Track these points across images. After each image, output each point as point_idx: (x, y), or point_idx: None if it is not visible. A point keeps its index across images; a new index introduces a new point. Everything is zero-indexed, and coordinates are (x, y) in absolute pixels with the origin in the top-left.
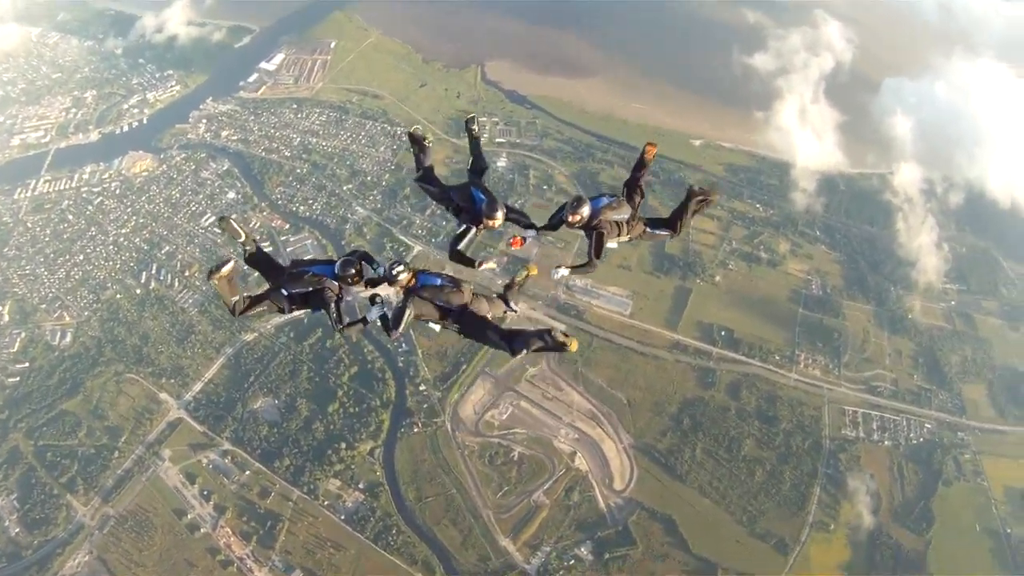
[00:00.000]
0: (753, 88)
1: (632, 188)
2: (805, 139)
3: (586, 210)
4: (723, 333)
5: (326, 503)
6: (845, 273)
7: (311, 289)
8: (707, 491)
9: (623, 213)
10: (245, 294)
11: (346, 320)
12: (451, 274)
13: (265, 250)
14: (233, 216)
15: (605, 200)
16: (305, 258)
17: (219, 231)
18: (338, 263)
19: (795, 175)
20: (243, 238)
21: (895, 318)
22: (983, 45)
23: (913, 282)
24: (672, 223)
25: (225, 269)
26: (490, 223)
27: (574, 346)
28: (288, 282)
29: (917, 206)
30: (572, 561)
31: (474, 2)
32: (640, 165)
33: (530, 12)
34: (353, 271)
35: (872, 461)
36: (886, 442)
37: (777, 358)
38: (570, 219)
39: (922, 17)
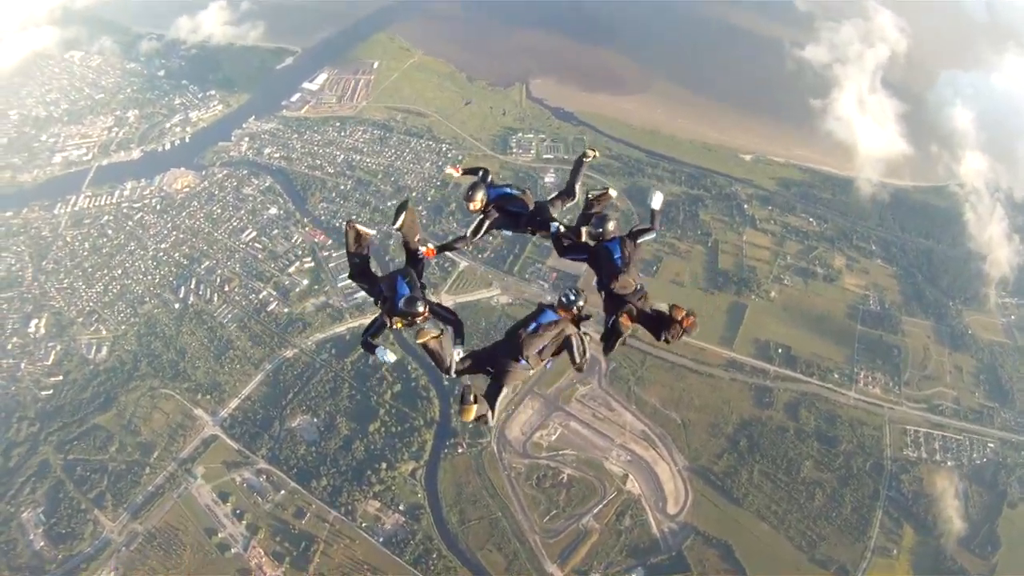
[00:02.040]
0: (807, 81)
1: (567, 192)
2: (865, 127)
3: (480, 195)
4: (780, 350)
5: (364, 525)
6: (903, 288)
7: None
8: (765, 515)
9: (523, 205)
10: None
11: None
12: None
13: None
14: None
15: (507, 191)
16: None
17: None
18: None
19: (858, 163)
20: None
21: (955, 334)
22: None
23: (986, 275)
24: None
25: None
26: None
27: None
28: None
29: (984, 196)
30: None
31: (516, 21)
32: (577, 168)
33: (572, 30)
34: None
35: (935, 482)
36: (949, 462)
37: (836, 376)
38: (469, 207)
39: (967, 13)
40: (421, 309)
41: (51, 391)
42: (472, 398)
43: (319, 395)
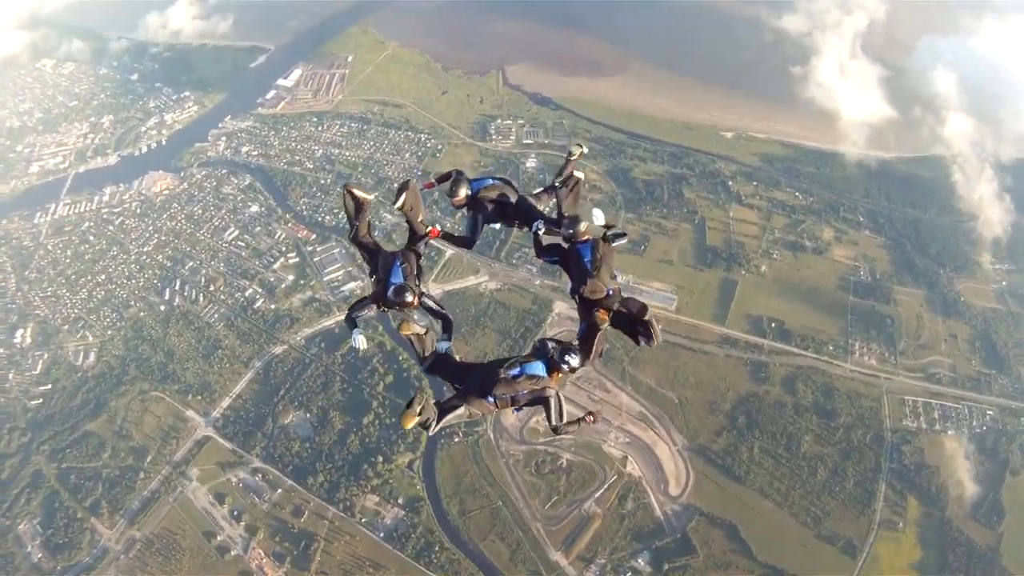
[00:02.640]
0: (786, 51)
1: (552, 189)
2: (847, 92)
3: (463, 191)
4: (773, 325)
5: (364, 520)
6: (892, 258)
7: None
8: (768, 492)
9: (508, 194)
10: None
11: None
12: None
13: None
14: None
15: (489, 181)
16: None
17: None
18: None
19: (841, 133)
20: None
21: (948, 301)
22: (1012, 8)
23: (978, 237)
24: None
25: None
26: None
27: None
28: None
29: (971, 158)
30: (629, 574)
31: (489, 9)
32: (565, 166)
33: (546, 15)
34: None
35: (936, 452)
36: (949, 431)
37: (831, 348)
38: (454, 201)
39: None
40: (409, 299)
41: (40, 400)
42: (418, 409)
43: (311, 390)
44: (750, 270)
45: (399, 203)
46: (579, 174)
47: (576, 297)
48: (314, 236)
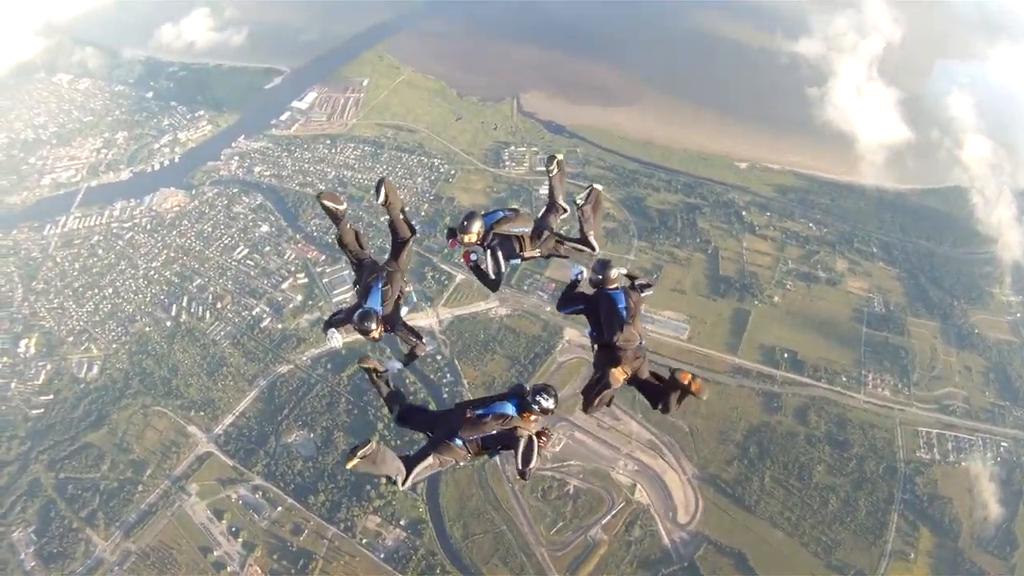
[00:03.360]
0: (801, 74)
1: (553, 208)
2: (864, 114)
3: (477, 226)
4: (786, 355)
5: (364, 541)
6: (906, 289)
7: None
8: (778, 522)
9: (521, 226)
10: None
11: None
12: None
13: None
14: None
15: (501, 214)
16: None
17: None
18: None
19: (857, 160)
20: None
21: (962, 333)
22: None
23: (997, 259)
24: (585, 241)
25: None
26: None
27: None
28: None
29: (990, 181)
30: None
31: (505, 37)
32: (550, 184)
33: (562, 44)
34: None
35: (949, 484)
36: (963, 463)
37: (844, 379)
38: (464, 239)
39: (955, 10)
40: (372, 328)
41: (41, 410)
42: (360, 453)
43: (315, 410)
44: (763, 300)
45: (381, 198)
46: (598, 185)
47: (598, 346)
48: (324, 257)
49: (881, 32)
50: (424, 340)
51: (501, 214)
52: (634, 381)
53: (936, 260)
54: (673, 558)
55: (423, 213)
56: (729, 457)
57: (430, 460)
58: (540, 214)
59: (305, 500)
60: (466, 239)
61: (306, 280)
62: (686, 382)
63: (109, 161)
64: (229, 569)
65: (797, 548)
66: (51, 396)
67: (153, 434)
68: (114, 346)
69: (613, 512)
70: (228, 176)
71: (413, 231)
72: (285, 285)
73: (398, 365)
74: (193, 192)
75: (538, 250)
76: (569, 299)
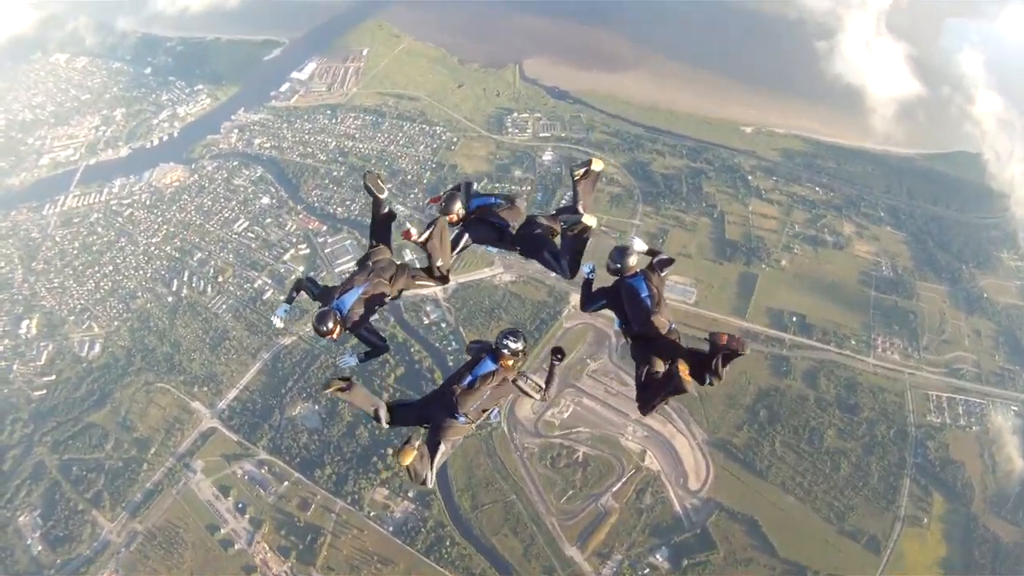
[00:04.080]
0: (809, 30)
1: (569, 211)
2: (874, 67)
3: (457, 206)
4: (795, 319)
5: (372, 514)
6: (914, 254)
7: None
8: (790, 487)
9: (510, 219)
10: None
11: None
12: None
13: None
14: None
15: (493, 200)
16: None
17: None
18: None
19: (869, 103)
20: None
21: (971, 298)
22: None
23: (1010, 218)
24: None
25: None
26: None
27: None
28: None
29: (1001, 138)
30: (647, 570)
31: (505, 2)
32: (574, 187)
33: (564, 10)
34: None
35: (961, 449)
36: (974, 427)
37: (853, 343)
38: (448, 219)
39: None
40: (329, 328)
41: (44, 391)
42: (415, 444)
43: (319, 382)
44: (770, 264)
45: (423, 236)
46: (597, 166)
47: (631, 338)
48: (325, 228)
49: None
50: (387, 344)
51: (492, 200)
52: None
53: (944, 224)
54: (685, 525)
55: (425, 181)
56: (739, 422)
57: (443, 447)
58: (551, 212)
59: (311, 474)
60: (448, 219)
61: (308, 251)
62: (724, 342)
63: (107, 138)
64: (237, 547)
65: (809, 513)
66: (53, 376)
67: (156, 411)
68: (115, 323)
69: (623, 479)
70: (228, 149)
71: (443, 279)
72: (287, 256)
73: (353, 361)
74: (193, 166)
75: (517, 246)
76: (589, 298)
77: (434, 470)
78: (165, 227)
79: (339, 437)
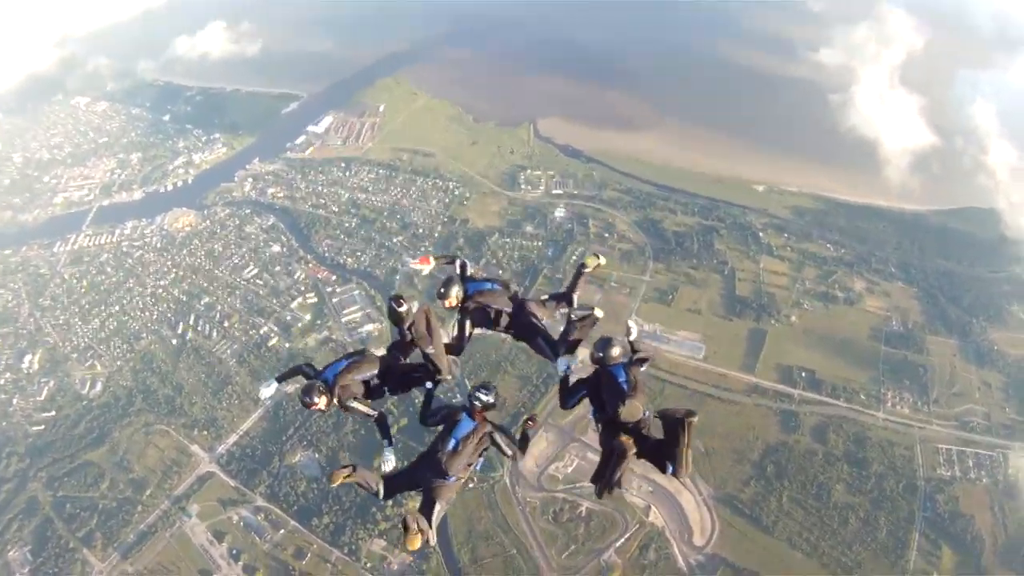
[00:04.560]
0: (823, 83)
1: (563, 297)
2: (887, 119)
3: (455, 291)
4: (803, 374)
5: (369, 565)
6: (924, 308)
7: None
8: (797, 543)
9: (504, 305)
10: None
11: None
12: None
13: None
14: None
15: (488, 286)
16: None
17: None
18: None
19: (883, 155)
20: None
21: (981, 351)
22: None
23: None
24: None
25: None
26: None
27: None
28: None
29: (1015, 186)
30: None
31: (523, 65)
32: (577, 275)
33: (579, 72)
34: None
35: (971, 501)
36: (984, 479)
37: (863, 397)
38: (444, 304)
39: (972, 25)
40: (314, 400)
41: (42, 426)
42: (416, 526)
43: (321, 430)
44: (780, 320)
45: (403, 309)
46: (599, 313)
47: (603, 424)
48: (335, 277)
49: (902, 42)
50: (377, 415)
51: (489, 286)
52: (642, 448)
53: (955, 279)
54: None
55: (436, 234)
56: (746, 477)
57: (439, 507)
58: (544, 297)
59: (308, 522)
60: (445, 304)
61: (316, 300)
62: (680, 415)
63: (122, 181)
64: None
65: (817, 569)
66: (53, 412)
67: (155, 453)
68: (118, 363)
69: (627, 535)
70: (241, 197)
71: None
72: (294, 304)
73: (270, 391)
74: (205, 212)
75: (511, 330)
76: (569, 392)
77: (433, 528)
78: (174, 270)
79: (338, 486)
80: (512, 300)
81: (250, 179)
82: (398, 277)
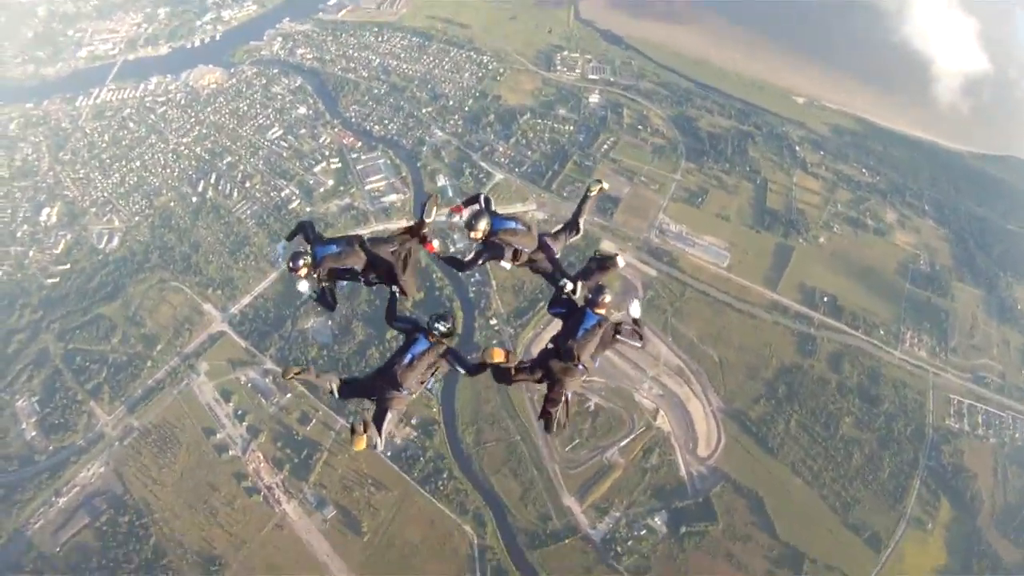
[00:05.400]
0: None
1: (571, 226)
2: (941, 36)
3: (483, 224)
4: (826, 299)
5: None
6: (954, 252)
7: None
8: (800, 470)
9: (524, 244)
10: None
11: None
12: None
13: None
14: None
15: (511, 224)
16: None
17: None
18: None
19: (934, 71)
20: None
21: (1004, 306)
22: None
23: None
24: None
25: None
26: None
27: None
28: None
29: None
30: (643, 531)
31: None
32: (584, 200)
33: None
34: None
35: (975, 459)
36: (991, 439)
37: (882, 332)
38: (471, 235)
39: None
40: (298, 266)
41: (57, 279)
42: (362, 428)
43: (336, 297)
44: (808, 239)
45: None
46: (621, 261)
47: (547, 345)
48: (360, 144)
49: None
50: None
51: (512, 224)
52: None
53: (987, 227)
54: (689, 491)
55: (466, 108)
56: (756, 395)
57: (390, 415)
58: (555, 229)
59: (316, 389)
60: (471, 235)
61: (340, 165)
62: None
63: (148, 36)
64: (231, 452)
65: (815, 500)
66: (68, 266)
67: (167, 309)
68: (136, 219)
69: (632, 435)
70: (269, 56)
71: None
72: (318, 169)
73: (306, 289)
74: (232, 70)
75: (528, 264)
76: (554, 301)
77: (383, 436)
78: (197, 128)
79: (349, 355)
80: (536, 240)
81: (279, 38)
82: (424, 148)
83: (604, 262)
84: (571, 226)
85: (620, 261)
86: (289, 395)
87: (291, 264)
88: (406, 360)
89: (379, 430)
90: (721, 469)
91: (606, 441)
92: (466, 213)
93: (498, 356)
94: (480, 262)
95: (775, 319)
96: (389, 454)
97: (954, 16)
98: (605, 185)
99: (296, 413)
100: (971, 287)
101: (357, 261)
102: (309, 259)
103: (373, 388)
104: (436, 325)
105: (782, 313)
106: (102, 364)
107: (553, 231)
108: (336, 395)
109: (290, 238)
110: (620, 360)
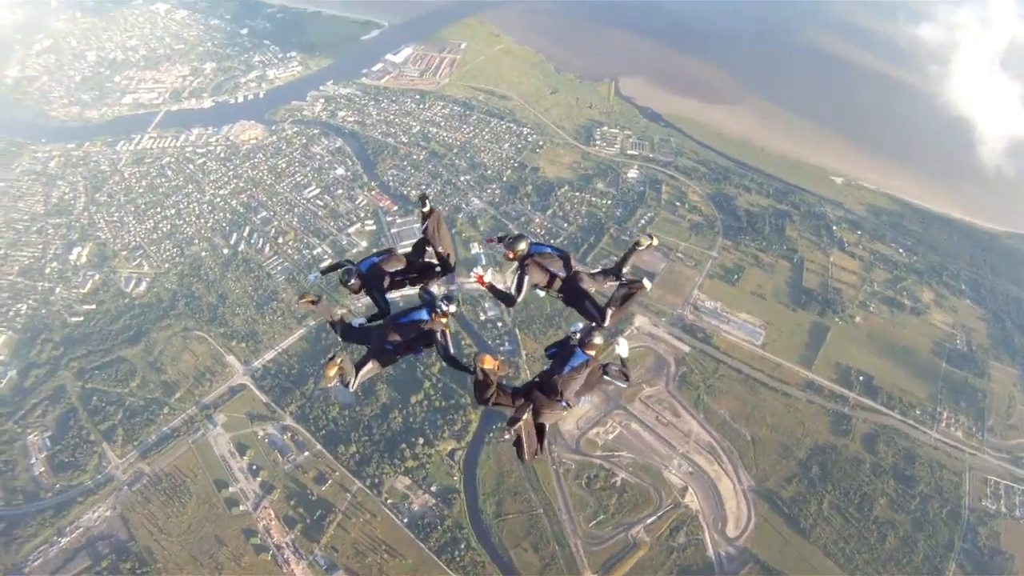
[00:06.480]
0: (921, 58)
1: (611, 272)
2: (984, 100)
3: (523, 246)
4: (861, 378)
5: (389, 502)
6: (991, 332)
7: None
8: (832, 552)
9: (558, 269)
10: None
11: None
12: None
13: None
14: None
15: (548, 250)
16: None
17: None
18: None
19: (978, 134)
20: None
21: None
22: None
23: None
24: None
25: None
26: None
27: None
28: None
29: None
30: None
31: (610, 21)
32: (631, 251)
33: (667, 36)
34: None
35: (1012, 540)
36: None
37: (918, 412)
38: (509, 255)
39: None
40: (350, 282)
41: (81, 318)
42: (338, 361)
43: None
44: (844, 319)
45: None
46: (647, 284)
47: (536, 380)
48: (396, 208)
49: (1006, 27)
50: (389, 309)
51: (549, 250)
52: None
53: None
54: (716, 572)
55: (505, 179)
56: (789, 474)
57: (370, 365)
58: (594, 270)
59: (334, 449)
60: (510, 254)
61: (374, 227)
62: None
63: (193, 88)
64: (241, 507)
65: None
66: (94, 306)
67: (190, 357)
68: (166, 266)
69: (660, 513)
70: (311, 117)
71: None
72: (352, 229)
73: (313, 278)
74: (273, 128)
75: (561, 293)
76: (555, 344)
77: (356, 379)
78: (235, 181)
79: (371, 417)
80: (566, 267)
81: (322, 100)
82: (461, 215)
83: (631, 286)
84: (611, 272)
85: (647, 284)
86: (306, 454)
87: (345, 279)
88: (402, 320)
89: (358, 371)
90: (750, 550)
91: (632, 518)
92: (507, 245)
93: (488, 363)
94: (524, 286)
95: (809, 398)
96: (406, 521)
97: (998, 80)
98: (655, 241)
99: (312, 472)
100: (1008, 367)
101: (398, 263)
102: (357, 271)
103: (370, 338)
104: (441, 304)
105: (817, 392)
106: (118, 406)
107: (592, 271)
108: (336, 332)
109: (325, 272)
110: (649, 436)
